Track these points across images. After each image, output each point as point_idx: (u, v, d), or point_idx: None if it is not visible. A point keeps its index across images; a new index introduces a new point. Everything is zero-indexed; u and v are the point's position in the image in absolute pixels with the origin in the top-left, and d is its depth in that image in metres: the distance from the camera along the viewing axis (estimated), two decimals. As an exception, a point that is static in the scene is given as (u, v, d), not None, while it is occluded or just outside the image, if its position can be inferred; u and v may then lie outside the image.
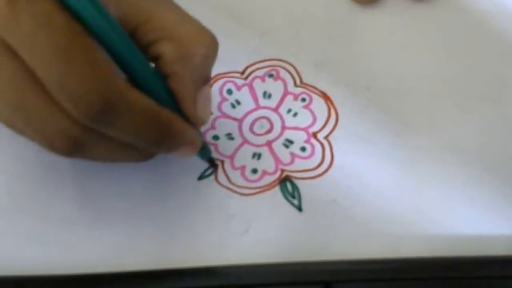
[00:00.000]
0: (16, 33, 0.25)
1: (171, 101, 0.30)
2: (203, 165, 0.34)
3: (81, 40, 0.25)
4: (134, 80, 0.28)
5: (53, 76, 0.25)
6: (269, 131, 0.35)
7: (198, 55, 0.29)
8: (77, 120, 0.26)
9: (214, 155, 0.35)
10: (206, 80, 0.31)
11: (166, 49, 0.29)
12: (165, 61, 0.29)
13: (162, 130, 0.29)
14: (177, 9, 0.30)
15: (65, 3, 0.25)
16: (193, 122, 0.31)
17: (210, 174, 0.34)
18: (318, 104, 0.36)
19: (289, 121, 0.36)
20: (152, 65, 0.30)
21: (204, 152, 0.33)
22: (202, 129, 0.34)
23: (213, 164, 0.34)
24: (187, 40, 0.29)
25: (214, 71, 0.37)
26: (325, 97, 0.36)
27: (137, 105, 0.27)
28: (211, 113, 0.32)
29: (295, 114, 0.36)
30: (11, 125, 0.29)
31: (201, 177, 0.34)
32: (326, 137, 0.35)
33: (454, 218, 0.33)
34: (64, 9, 0.25)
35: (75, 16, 0.26)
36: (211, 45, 0.30)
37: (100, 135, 0.28)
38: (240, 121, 0.36)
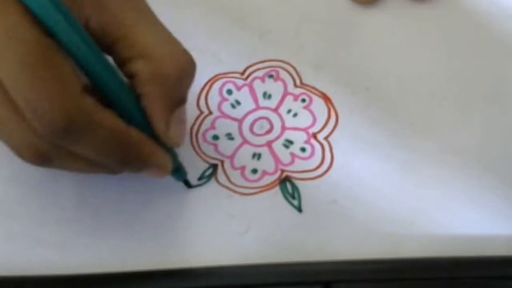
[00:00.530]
0: None
1: (144, 121, 0.29)
2: (203, 165, 0.34)
3: (50, 55, 0.25)
4: (106, 97, 0.28)
5: (19, 90, 0.25)
6: (269, 131, 0.35)
7: (172, 76, 0.29)
8: (41, 134, 0.26)
9: (214, 155, 0.35)
10: (180, 101, 0.30)
11: (140, 68, 0.29)
12: (139, 80, 0.29)
13: (128, 151, 0.28)
14: (158, 26, 0.30)
15: (37, 17, 0.25)
16: (165, 144, 0.30)
17: (210, 174, 0.34)
18: (318, 105, 0.36)
19: (289, 121, 0.36)
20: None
21: (179, 173, 0.33)
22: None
23: (189, 186, 0.34)
24: (162, 61, 0.29)
25: (214, 71, 0.37)
26: (325, 97, 0.36)
27: (103, 125, 0.27)
28: (185, 136, 0.32)
29: (295, 115, 0.36)
30: None
31: (201, 177, 0.34)
32: (326, 138, 0.35)
33: (454, 218, 0.33)
34: (36, 22, 0.25)
35: (47, 29, 0.25)
36: (187, 67, 0.30)
37: (66, 150, 0.27)
38: (240, 121, 0.36)
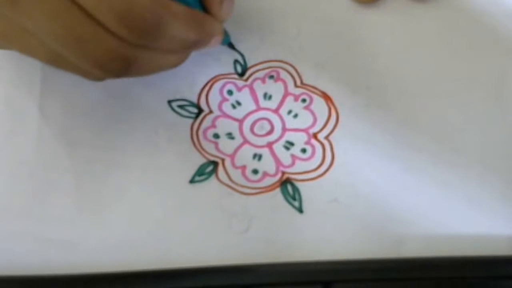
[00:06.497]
0: None
1: (198, 3, 0.33)
2: (204, 161, 0.34)
3: None
4: None
5: (101, 5, 0.27)
6: (269, 132, 0.35)
7: None
8: (126, 39, 0.28)
9: (215, 152, 0.35)
10: None
11: None
12: None
13: (200, 29, 0.32)
14: None
15: None
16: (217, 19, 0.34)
17: (211, 171, 0.34)
18: (319, 104, 0.36)
19: (290, 122, 0.36)
20: None
21: (225, 38, 0.36)
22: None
23: (233, 48, 0.38)
24: None
25: (214, 72, 0.37)
26: (326, 97, 0.36)
27: (178, 12, 0.30)
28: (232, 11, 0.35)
29: (295, 116, 0.36)
30: (55, 60, 0.30)
31: (201, 174, 0.34)
32: (326, 137, 0.35)
33: (454, 218, 0.33)
34: None
35: None
36: None
37: (147, 48, 0.30)
38: (240, 121, 0.36)
